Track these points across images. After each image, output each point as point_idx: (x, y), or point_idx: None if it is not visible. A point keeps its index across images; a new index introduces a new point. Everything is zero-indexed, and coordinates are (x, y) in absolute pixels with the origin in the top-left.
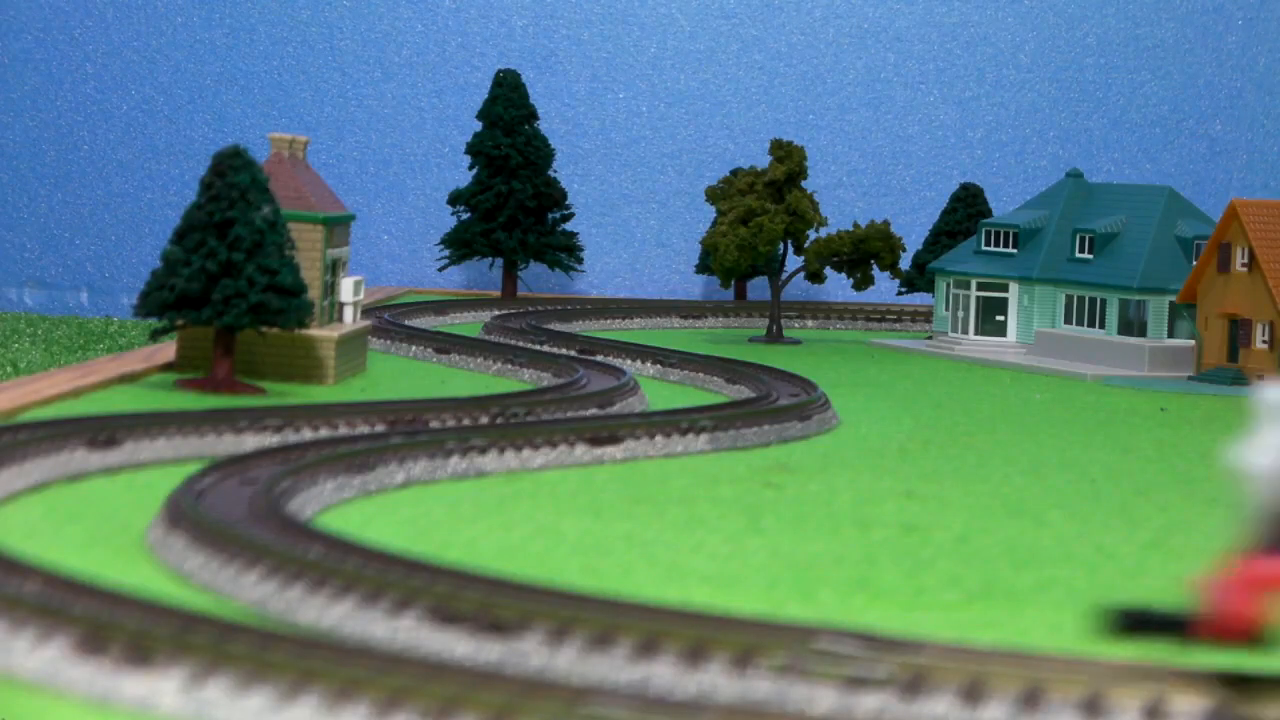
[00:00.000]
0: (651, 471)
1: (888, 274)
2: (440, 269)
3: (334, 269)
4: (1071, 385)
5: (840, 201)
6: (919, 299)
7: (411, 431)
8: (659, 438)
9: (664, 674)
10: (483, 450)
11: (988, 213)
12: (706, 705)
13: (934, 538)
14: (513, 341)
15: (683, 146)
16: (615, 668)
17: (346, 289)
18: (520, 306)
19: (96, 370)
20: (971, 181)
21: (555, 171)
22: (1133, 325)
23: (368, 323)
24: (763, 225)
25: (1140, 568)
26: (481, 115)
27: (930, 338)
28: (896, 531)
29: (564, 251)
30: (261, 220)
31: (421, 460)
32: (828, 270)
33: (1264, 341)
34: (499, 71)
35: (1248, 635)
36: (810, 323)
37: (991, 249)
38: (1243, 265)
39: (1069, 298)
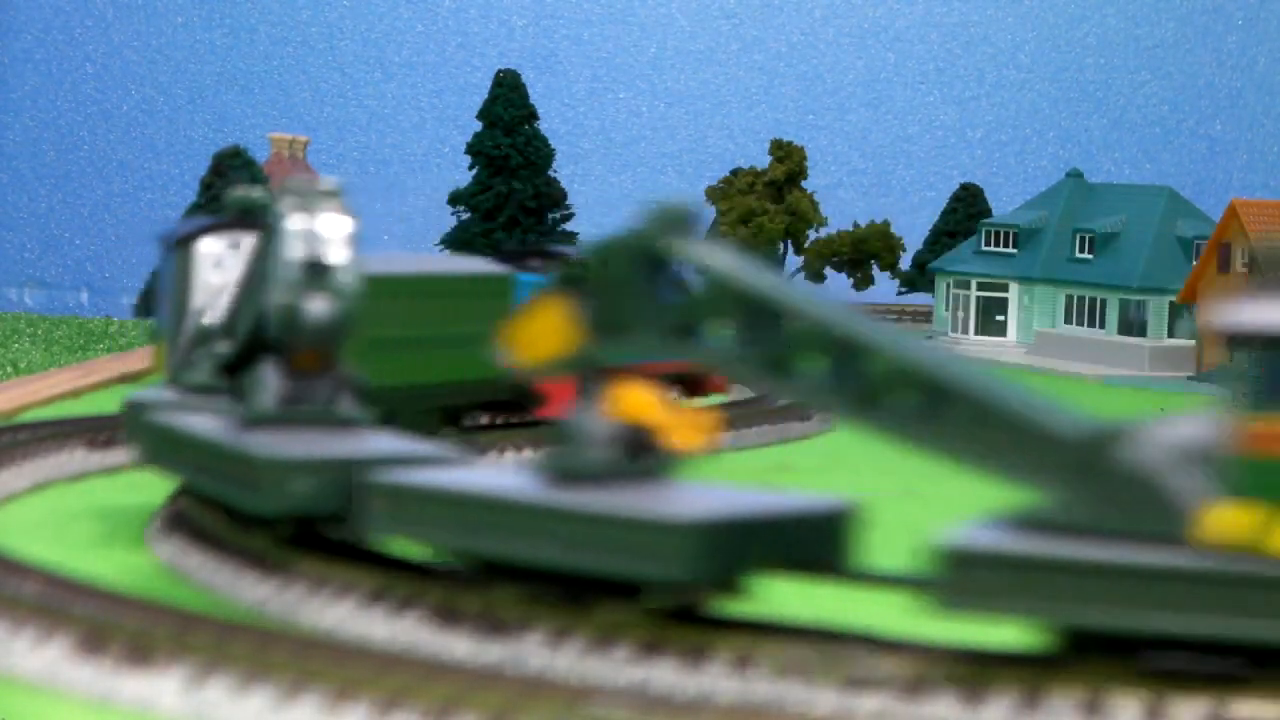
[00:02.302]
0: None
1: (888, 274)
2: None
3: None
4: (1072, 385)
5: (840, 201)
6: (919, 299)
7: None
8: None
9: (664, 676)
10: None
11: (988, 213)
12: (706, 706)
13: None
14: None
15: (683, 146)
16: (615, 669)
17: None
18: None
19: (96, 370)
20: (971, 181)
21: (555, 172)
22: (1133, 325)
23: None
24: (763, 225)
25: None
26: (481, 115)
27: (930, 338)
28: (897, 531)
29: None
30: None
31: None
32: (828, 270)
33: None
34: (499, 71)
35: None
36: None
37: (991, 249)
38: (1243, 265)
39: (1069, 298)
